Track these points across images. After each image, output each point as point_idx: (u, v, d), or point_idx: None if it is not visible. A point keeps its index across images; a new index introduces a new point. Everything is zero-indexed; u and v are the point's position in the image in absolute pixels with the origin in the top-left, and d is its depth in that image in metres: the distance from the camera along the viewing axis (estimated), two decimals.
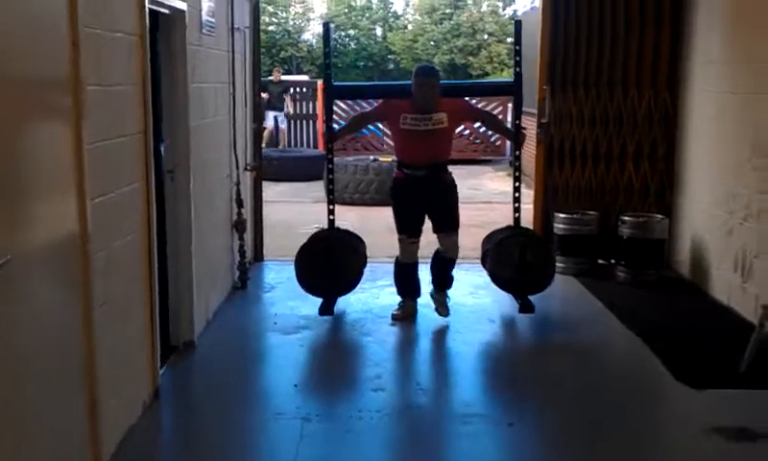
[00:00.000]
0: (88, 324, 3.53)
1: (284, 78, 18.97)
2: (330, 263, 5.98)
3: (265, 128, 16.45)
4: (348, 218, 10.55)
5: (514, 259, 6.06)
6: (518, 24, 6.28)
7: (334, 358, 5.37)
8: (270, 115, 16.58)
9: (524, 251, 6.07)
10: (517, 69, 6.18)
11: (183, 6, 4.97)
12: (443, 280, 6.15)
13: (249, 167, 7.18)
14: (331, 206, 6.22)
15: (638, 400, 4.78)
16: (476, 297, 6.81)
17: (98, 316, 3.59)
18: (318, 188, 13.18)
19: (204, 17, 5.56)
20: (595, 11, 7.59)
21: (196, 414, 4.65)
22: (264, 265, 7.90)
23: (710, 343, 5.60)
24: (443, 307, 6.09)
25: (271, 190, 12.96)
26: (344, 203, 12.09)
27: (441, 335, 5.85)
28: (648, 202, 7.73)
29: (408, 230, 5.98)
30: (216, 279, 6.23)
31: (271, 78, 17.34)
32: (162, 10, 4.70)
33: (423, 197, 5.90)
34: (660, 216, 7.40)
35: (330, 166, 6.34)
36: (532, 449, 4.28)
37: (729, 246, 6.42)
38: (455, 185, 6.05)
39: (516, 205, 6.33)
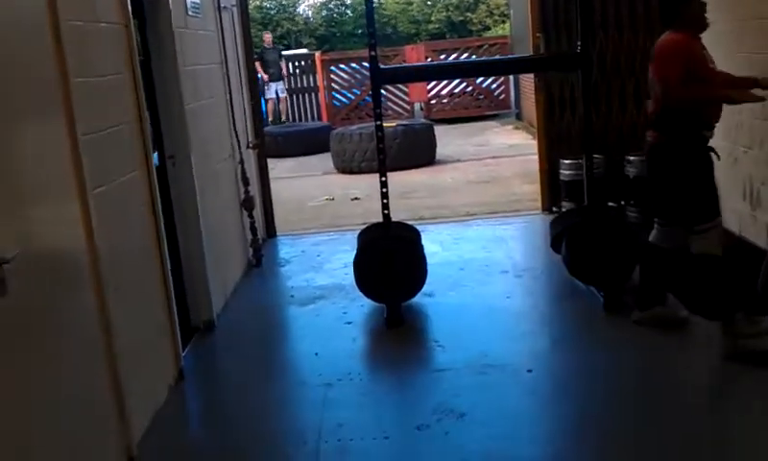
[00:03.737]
0: (103, 312, 3.59)
1: (284, 53, 18.96)
2: (392, 268, 5.33)
3: (269, 100, 16.55)
4: (360, 186, 10.64)
5: (594, 247, 5.30)
6: None
7: (352, 325, 5.42)
8: (272, 87, 16.69)
9: (607, 236, 5.33)
10: (586, 36, 5.29)
11: None
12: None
13: (251, 145, 7.21)
14: (385, 200, 5.45)
15: (651, 337, 4.79)
16: (487, 250, 6.85)
17: (112, 304, 3.65)
18: (325, 160, 13.23)
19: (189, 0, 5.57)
20: None
21: (221, 390, 4.74)
22: (277, 241, 7.97)
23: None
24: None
25: (279, 166, 13.04)
26: (352, 172, 12.15)
27: (454, 291, 5.89)
28: None
29: (719, 210, 4.56)
30: (230, 258, 6.30)
31: (264, 45, 17.38)
32: None
33: None
34: None
35: (382, 156, 5.43)
36: (553, 393, 4.34)
37: (736, 176, 6.38)
38: None
39: (589, 173, 5.52)
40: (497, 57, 15.95)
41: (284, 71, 17.33)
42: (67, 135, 3.39)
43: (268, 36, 17.81)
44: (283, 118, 17.05)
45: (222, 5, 6.49)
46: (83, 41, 3.64)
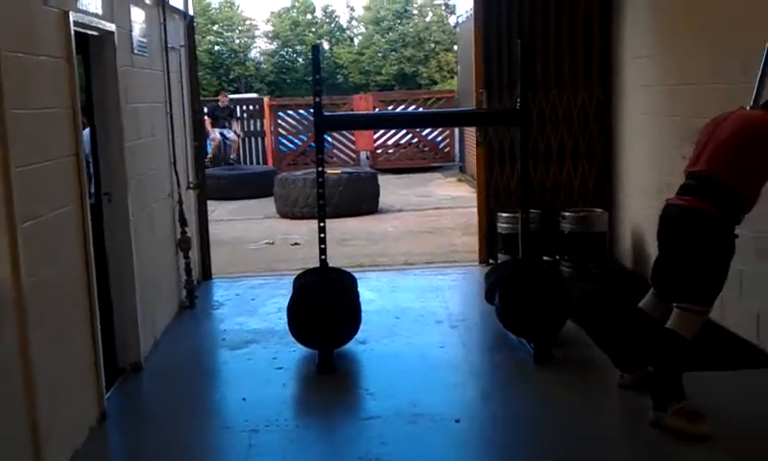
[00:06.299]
0: (24, 348, 3.51)
1: (233, 97, 18.91)
2: (326, 313, 5.33)
3: (213, 140, 16.33)
4: (301, 232, 10.65)
5: (525, 299, 5.43)
6: (526, 46, 5.58)
7: (282, 370, 5.38)
8: (215, 131, 16.50)
9: (538, 289, 5.46)
10: (526, 94, 5.45)
11: (112, 27, 4.97)
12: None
13: (191, 185, 7.18)
14: (323, 245, 5.47)
15: (579, 390, 4.90)
16: (423, 300, 6.91)
17: (34, 341, 3.58)
18: (268, 204, 13.21)
19: (136, 38, 5.56)
20: (526, 14, 7.77)
21: (143, 434, 4.63)
22: (212, 283, 7.90)
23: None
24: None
25: (222, 209, 12.98)
26: (294, 217, 12.16)
27: (388, 339, 5.91)
28: (588, 197, 7.92)
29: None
30: (162, 298, 6.22)
31: (219, 104, 17.22)
32: (90, 32, 4.70)
33: None
34: (599, 210, 7.59)
35: (321, 202, 5.47)
36: (479, 444, 4.38)
37: None
38: None
39: (524, 226, 5.60)
40: (440, 109, 16.19)
41: (235, 126, 17.14)
42: (0, 166, 3.34)
43: (224, 98, 17.47)
44: (233, 156, 16.84)
45: (170, 45, 6.50)
46: (21, 73, 3.61)
